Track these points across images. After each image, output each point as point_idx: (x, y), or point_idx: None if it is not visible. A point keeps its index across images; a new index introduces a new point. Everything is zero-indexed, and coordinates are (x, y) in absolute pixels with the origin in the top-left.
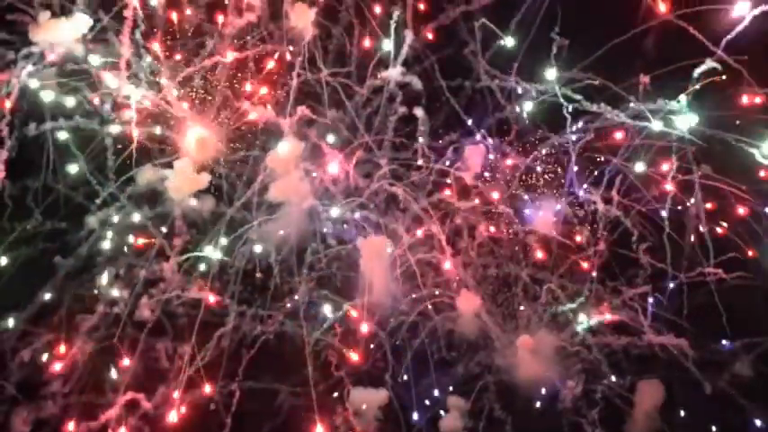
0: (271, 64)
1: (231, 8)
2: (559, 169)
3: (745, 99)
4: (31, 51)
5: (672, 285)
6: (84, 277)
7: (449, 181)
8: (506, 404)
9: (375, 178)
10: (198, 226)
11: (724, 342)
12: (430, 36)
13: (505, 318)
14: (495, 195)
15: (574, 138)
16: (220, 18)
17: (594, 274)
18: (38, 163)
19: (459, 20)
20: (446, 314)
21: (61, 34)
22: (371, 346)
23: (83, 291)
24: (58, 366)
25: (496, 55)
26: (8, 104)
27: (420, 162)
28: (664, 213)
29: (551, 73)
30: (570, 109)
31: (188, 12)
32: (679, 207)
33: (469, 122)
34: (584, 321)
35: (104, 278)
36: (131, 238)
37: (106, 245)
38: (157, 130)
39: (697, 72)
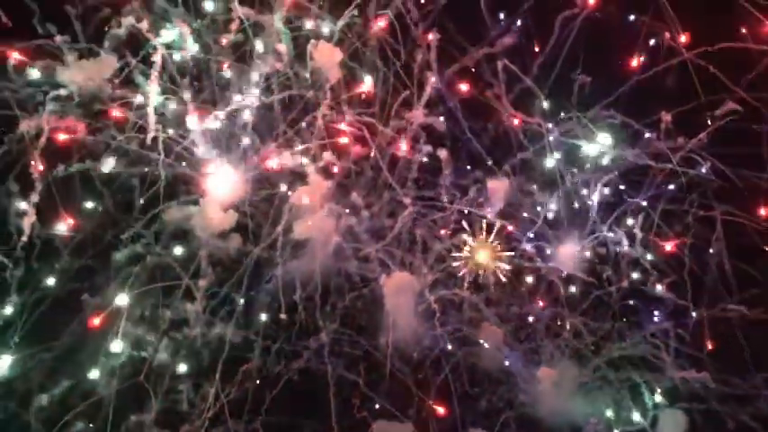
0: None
1: (257, 53)
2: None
3: None
4: (58, 94)
5: (694, 321)
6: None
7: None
8: None
9: (399, 219)
10: (224, 264)
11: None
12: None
13: (527, 353)
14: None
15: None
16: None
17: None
18: (67, 204)
19: (483, 62)
20: (469, 348)
21: (88, 76)
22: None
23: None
24: (82, 405)
25: (519, 95)
26: (37, 149)
27: (444, 199)
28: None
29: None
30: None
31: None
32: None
33: (490, 162)
34: (606, 356)
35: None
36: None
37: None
38: (184, 170)
39: (718, 111)
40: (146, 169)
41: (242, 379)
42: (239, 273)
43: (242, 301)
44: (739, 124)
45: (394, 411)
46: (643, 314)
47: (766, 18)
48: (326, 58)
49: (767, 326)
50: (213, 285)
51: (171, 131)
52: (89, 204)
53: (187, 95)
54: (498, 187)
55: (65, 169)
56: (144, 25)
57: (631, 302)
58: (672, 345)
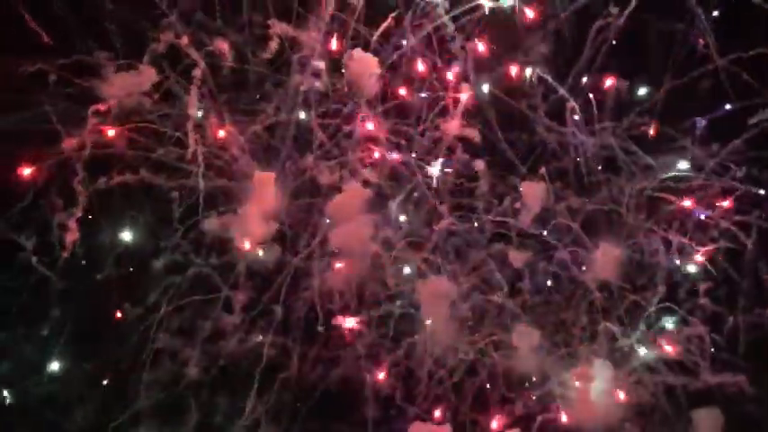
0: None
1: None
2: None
3: None
4: (98, 109)
5: (729, 326)
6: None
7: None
8: None
9: (436, 229)
10: (262, 274)
11: None
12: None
13: (564, 356)
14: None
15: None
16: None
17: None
18: (107, 217)
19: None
20: (505, 352)
21: (127, 89)
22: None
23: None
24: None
25: (554, 105)
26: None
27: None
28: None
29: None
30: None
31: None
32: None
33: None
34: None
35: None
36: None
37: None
38: (223, 182)
39: (754, 119)
40: (185, 181)
41: (279, 388)
42: (277, 283)
43: (279, 310)
44: None
45: (429, 417)
46: (678, 318)
47: None
48: (363, 68)
49: None
50: (252, 296)
51: (210, 144)
52: (129, 216)
53: (226, 108)
54: (534, 190)
55: (106, 182)
56: (183, 40)
57: (666, 307)
58: (707, 349)
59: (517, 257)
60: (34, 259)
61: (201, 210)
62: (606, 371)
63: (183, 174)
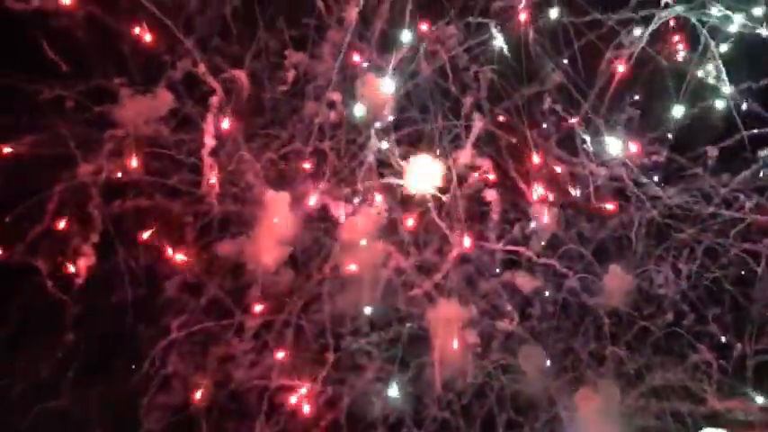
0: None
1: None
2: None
3: None
4: (112, 134)
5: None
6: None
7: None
8: None
9: (447, 257)
10: (275, 298)
11: None
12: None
13: (571, 381)
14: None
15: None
16: None
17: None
18: (122, 239)
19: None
20: (512, 376)
21: (143, 113)
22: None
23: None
24: None
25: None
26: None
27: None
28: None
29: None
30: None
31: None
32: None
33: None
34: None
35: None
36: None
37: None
38: (238, 207)
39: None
40: (199, 206)
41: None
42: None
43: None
44: None
45: None
46: (686, 345)
47: None
48: (375, 94)
49: None
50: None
51: (225, 170)
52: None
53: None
54: (545, 214)
55: (120, 205)
56: (201, 68)
57: (674, 333)
58: (714, 376)
59: (527, 283)
60: (49, 284)
61: (214, 232)
62: (612, 393)
63: (197, 198)
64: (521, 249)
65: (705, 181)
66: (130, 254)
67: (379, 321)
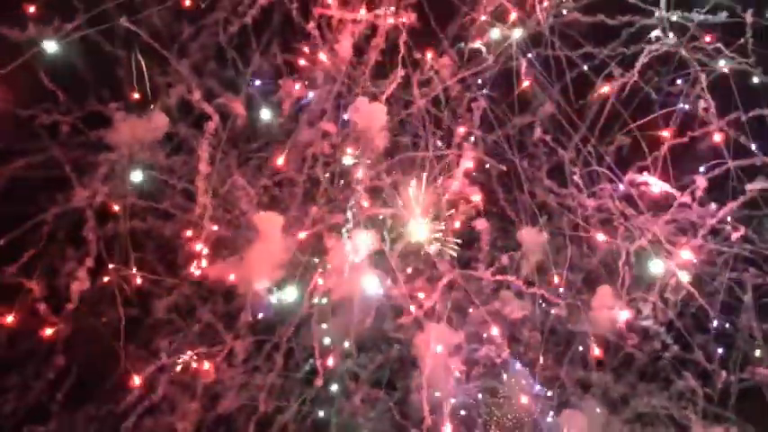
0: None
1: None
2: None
3: None
4: (107, 157)
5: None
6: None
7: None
8: None
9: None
10: (265, 323)
11: None
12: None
13: (558, 406)
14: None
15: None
16: None
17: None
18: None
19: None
20: (496, 400)
21: (138, 135)
22: None
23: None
24: None
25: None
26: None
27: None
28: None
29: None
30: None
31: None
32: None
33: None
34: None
35: None
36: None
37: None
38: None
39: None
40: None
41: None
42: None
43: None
44: None
45: None
46: (671, 373)
47: None
48: (369, 120)
49: None
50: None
51: (218, 196)
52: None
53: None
54: (534, 240)
55: (113, 228)
56: (195, 95)
57: (660, 361)
58: (699, 404)
59: (515, 309)
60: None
61: (206, 257)
62: (597, 418)
63: (189, 223)
64: (509, 279)
65: (693, 211)
66: (121, 277)
67: (366, 344)
